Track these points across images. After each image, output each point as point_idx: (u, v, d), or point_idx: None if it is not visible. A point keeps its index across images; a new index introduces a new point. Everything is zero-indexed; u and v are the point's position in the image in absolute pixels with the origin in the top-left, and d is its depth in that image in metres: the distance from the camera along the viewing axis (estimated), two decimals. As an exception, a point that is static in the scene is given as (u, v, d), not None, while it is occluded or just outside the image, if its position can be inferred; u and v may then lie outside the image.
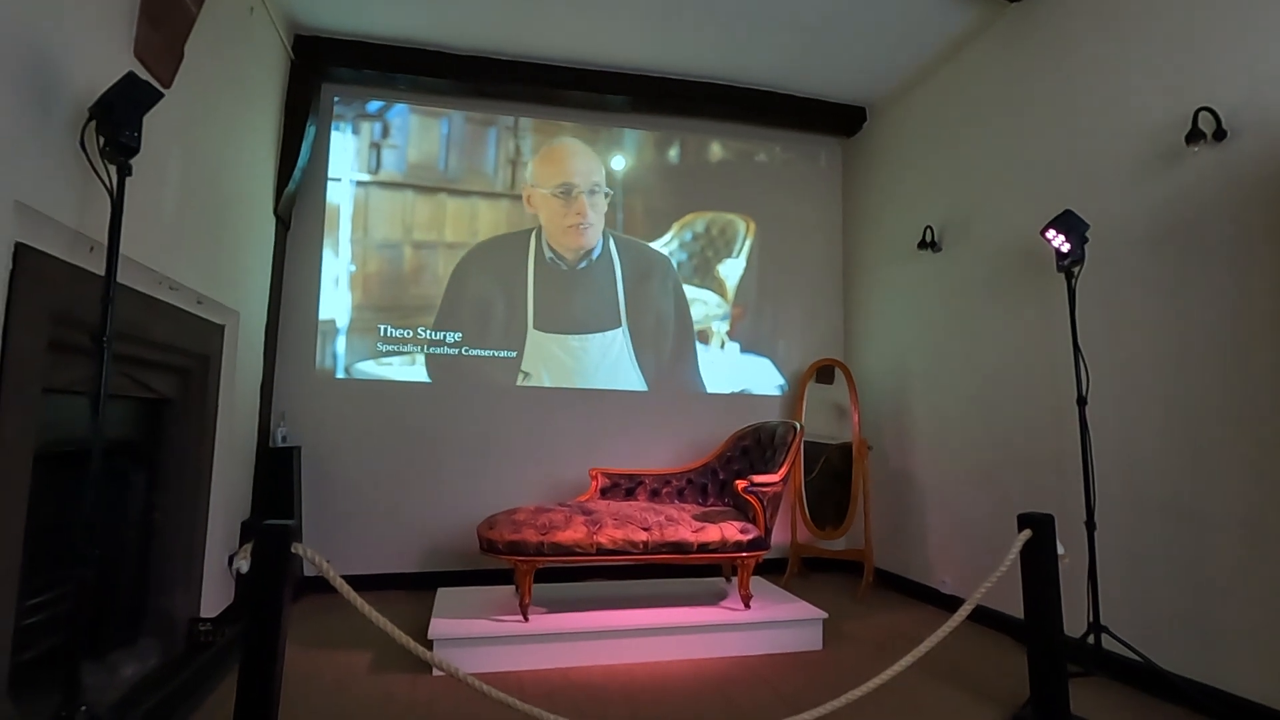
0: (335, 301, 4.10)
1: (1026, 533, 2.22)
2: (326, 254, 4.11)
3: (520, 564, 2.89)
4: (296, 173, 3.80)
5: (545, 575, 3.20)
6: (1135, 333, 2.73)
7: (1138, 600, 2.63)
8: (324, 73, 4.02)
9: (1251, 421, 2.30)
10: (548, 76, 4.22)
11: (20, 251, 1.65)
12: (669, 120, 4.65)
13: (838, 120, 4.75)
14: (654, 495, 3.72)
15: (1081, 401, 2.70)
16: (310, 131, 3.90)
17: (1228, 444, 2.37)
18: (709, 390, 4.58)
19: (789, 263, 4.85)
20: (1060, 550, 2.22)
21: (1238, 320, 2.37)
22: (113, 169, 1.80)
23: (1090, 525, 2.64)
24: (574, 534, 2.92)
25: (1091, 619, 2.61)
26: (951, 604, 3.16)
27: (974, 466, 3.57)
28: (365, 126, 4.27)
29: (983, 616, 3.23)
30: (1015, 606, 2.33)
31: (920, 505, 3.97)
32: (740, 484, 3.17)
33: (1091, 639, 2.60)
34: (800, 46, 4.01)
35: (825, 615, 3.07)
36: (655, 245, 4.64)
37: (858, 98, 4.65)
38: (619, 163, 4.62)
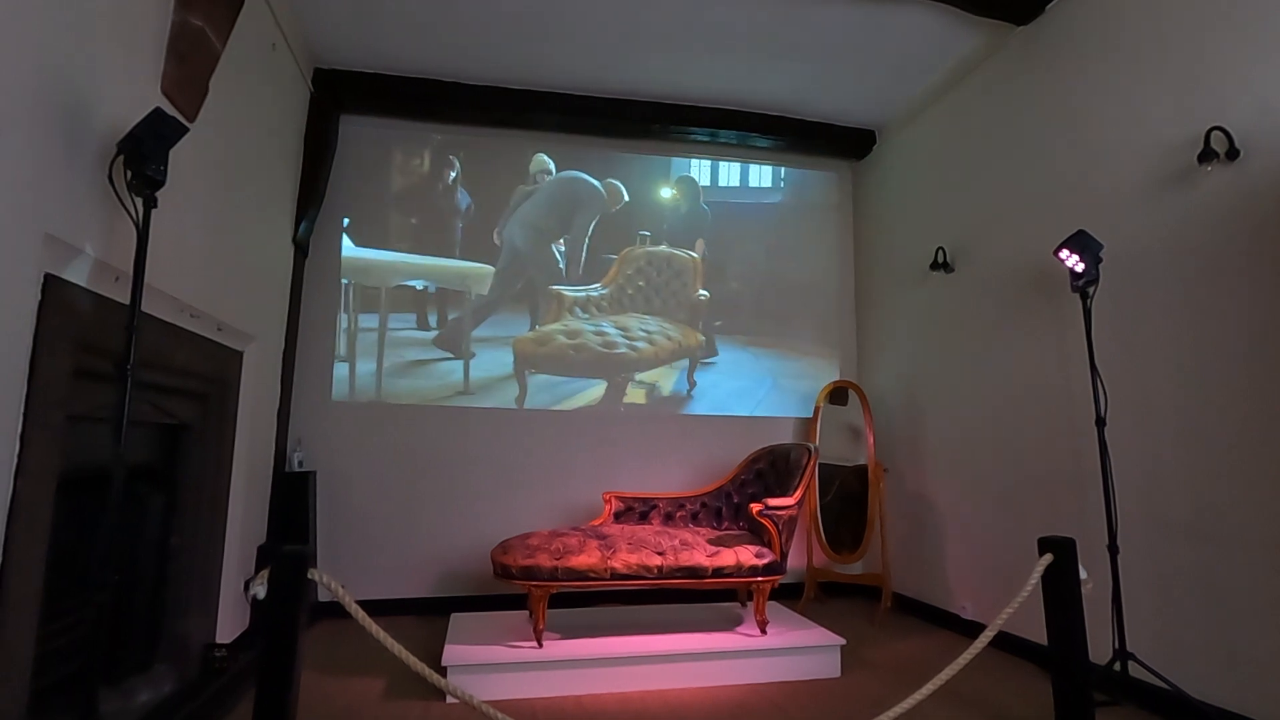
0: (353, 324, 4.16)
1: (1048, 557, 2.18)
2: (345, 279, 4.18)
3: (534, 589, 2.88)
4: (315, 201, 3.88)
5: (559, 600, 3.18)
6: (1153, 352, 2.70)
7: (1164, 625, 2.57)
8: (343, 105, 4.12)
9: (1274, 439, 2.26)
10: (562, 105, 4.29)
11: (49, 282, 1.70)
12: (682, 146, 4.71)
13: (847, 143, 4.78)
14: (668, 519, 3.70)
15: (1100, 422, 2.66)
16: (329, 162, 3.99)
17: (1250, 463, 2.33)
18: (722, 413, 4.57)
19: (801, 284, 4.86)
20: (1083, 574, 2.18)
21: (1256, 338, 2.34)
22: (139, 201, 1.84)
23: (1113, 548, 2.59)
24: (588, 559, 2.90)
25: (1117, 645, 2.55)
26: (972, 630, 3.10)
27: (992, 488, 3.52)
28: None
29: (1005, 643, 3.16)
30: (1038, 632, 2.28)
31: (938, 528, 3.91)
32: (755, 507, 3.15)
33: (1118, 666, 2.53)
34: (810, 71, 4.06)
35: (843, 641, 3.03)
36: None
37: (867, 121, 4.69)
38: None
